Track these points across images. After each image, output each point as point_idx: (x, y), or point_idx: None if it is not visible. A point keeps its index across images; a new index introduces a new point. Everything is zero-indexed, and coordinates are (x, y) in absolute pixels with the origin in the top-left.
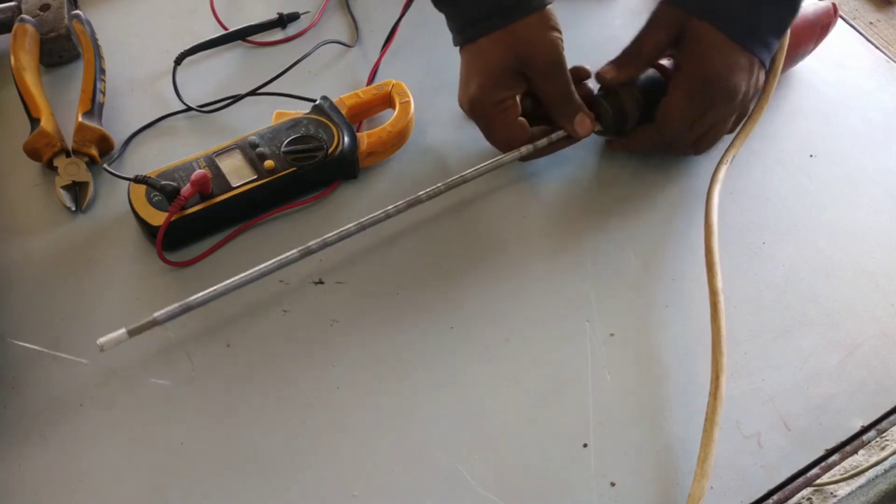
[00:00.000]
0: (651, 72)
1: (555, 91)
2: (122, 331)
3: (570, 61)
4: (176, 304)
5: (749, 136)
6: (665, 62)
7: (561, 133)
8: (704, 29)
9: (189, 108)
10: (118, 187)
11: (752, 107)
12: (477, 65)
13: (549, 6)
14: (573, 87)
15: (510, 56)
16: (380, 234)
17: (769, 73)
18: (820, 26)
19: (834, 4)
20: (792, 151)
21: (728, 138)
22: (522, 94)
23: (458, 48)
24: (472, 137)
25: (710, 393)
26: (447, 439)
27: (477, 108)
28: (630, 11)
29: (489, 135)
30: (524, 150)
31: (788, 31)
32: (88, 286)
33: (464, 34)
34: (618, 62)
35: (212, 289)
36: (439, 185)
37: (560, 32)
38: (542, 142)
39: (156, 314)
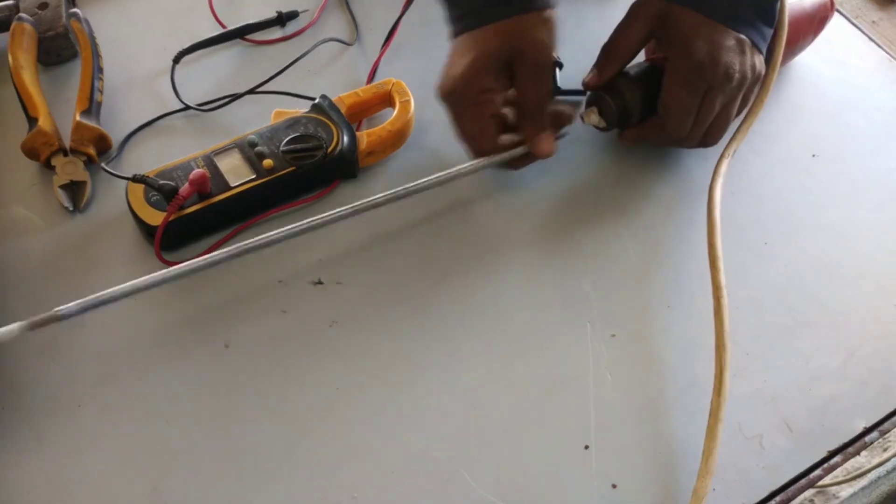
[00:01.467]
0: (651, 65)
1: (534, 94)
2: (21, 323)
3: (571, 60)
4: (81, 301)
5: (750, 131)
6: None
7: (520, 150)
8: (685, 14)
9: (187, 107)
10: (116, 187)
11: (754, 94)
12: (468, 49)
13: (552, 9)
14: (549, 101)
15: (505, 45)
16: (379, 233)
17: (769, 64)
18: (817, 19)
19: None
20: (794, 151)
21: (730, 131)
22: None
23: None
24: None
25: (714, 390)
26: (447, 440)
27: (457, 91)
28: None
29: (459, 124)
30: (484, 161)
31: (785, 22)
32: (86, 286)
33: (462, 23)
34: (598, 65)
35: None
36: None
37: (555, 40)
38: (503, 156)
39: (59, 309)
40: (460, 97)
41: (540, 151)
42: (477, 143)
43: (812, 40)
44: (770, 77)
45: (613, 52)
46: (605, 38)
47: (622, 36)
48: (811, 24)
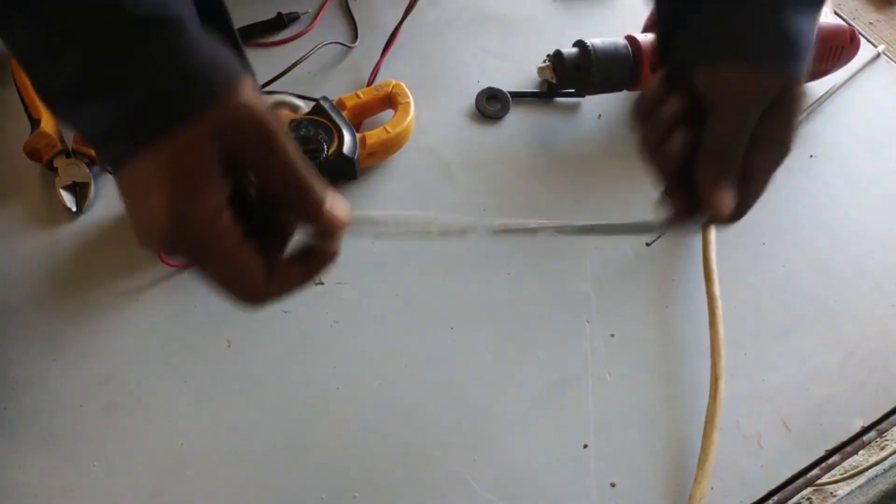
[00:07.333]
0: (619, 42)
1: (283, 176)
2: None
3: None
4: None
5: None
6: (639, 36)
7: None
8: (797, 89)
9: None
10: None
11: None
12: (164, 171)
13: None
14: (303, 164)
15: (211, 134)
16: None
17: None
18: (830, 47)
19: (851, 29)
20: (791, 152)
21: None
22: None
23: (119, 165)
24: (472, 138)
25: (710, 396)
26: (447, 439)
27: (186, 233)
28: (630, 11)
29: (224, 278)
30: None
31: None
32: (89, 287)
33: (141, 131)
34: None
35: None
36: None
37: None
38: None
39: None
40: (195, 238)
41: (338, 223)
42: (249, 290)
43: (825, 69)
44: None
45: (739, 156)
46: (601, 38)
47: (743, 135)
48: (820, 50)
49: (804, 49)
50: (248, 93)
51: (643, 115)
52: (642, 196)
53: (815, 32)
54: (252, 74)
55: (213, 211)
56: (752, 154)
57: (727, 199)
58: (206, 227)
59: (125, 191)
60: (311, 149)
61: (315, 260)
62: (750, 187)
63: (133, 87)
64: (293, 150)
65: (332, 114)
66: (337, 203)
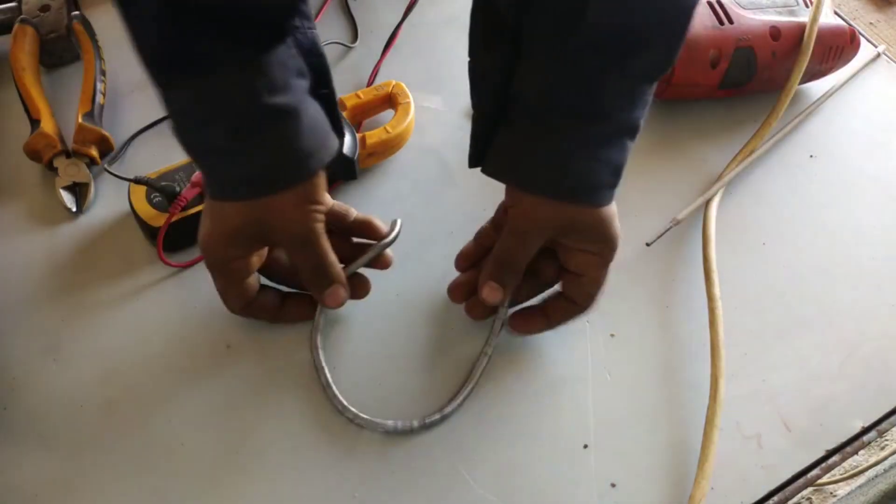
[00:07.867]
0: None
1: (303, 265)
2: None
3: None
4: None
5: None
6: None
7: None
8: (584, 214)
9: None
10: (118, 188)
11: None
12: (213, 217)
13: (314, 176)
14: (328, 259)
15: (248, 225)
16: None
17: (782, 92)
18: (829, 48)
19: (851, 29)
20: (792, 152)
21: (729, 151)
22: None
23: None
24: None
25: (710, 396)
26: (447, 439)
27: (205, 254)
28: None
29: (216, 286)
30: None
31: (810, 48)
32: (89, 287)
33: (211, 191)
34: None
35: None
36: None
37: (320, 204)
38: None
39: None
40: (208, 260)
41: (330, 305)
42: (226, 302)
43: (825, 69)
44: (782, 103)
45: (516, 270)
46: None
47: (522, 254)
48: (819, 49)
49: (598, 184)
50: (313, 190)
51: (462, 269)
52: (640, 193)
53: (625, 155)
54: (341, 134)
55: (227, 258)
56: (570, 256)
57: (495, 296)
58: (219, 264)
59: (209, 205)
60: None
61: (300, 308)
62: (580, 287)
63: (252, 159)
64: (317, 248)
65: None
66: (334, 292)
